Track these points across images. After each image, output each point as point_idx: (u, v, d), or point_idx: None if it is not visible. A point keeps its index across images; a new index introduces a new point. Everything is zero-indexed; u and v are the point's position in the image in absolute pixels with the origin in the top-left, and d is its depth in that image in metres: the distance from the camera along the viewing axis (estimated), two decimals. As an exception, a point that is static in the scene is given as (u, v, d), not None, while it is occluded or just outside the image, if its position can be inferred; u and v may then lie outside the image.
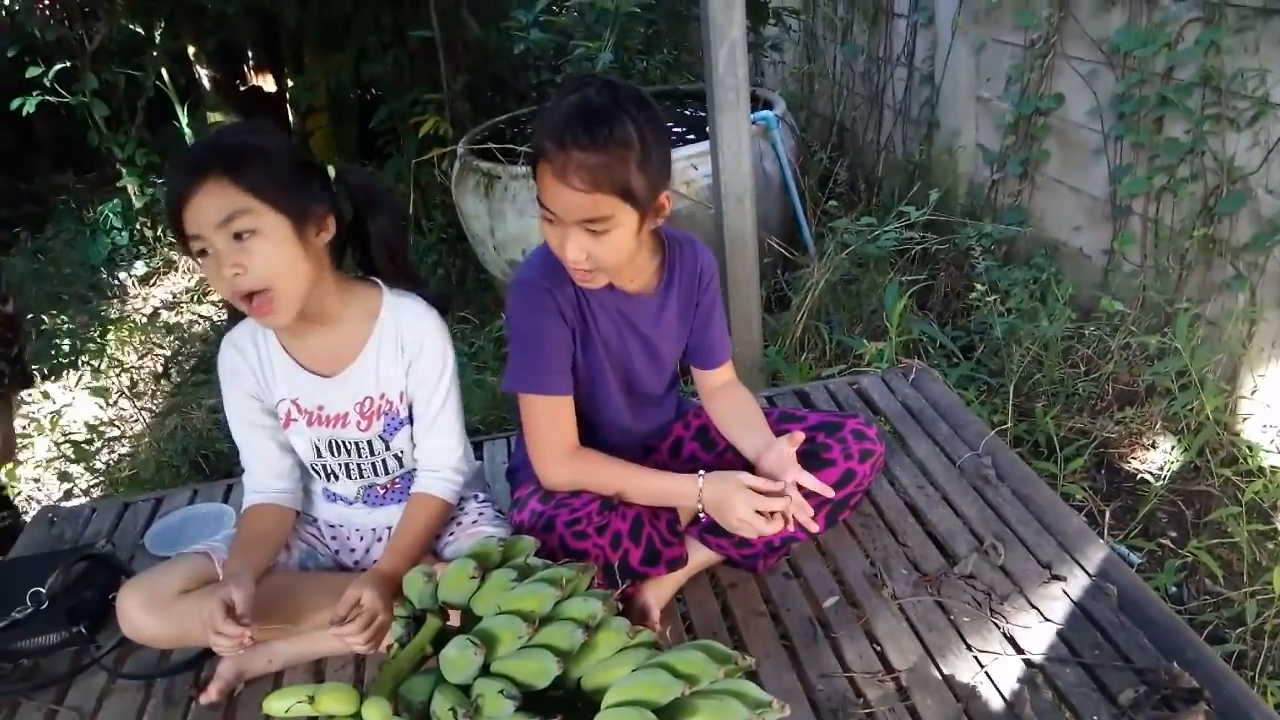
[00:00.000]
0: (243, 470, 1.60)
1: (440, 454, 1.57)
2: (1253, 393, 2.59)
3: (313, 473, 1.60)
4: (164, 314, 4.64)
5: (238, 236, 1.34)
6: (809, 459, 1.58)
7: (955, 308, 3.41)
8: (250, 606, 1.34)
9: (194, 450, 3.05)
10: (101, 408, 3.52)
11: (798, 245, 3.65)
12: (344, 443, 1.56)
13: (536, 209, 1.45)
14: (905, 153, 4.21)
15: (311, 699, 1.19)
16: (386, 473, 1.61)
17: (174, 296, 4.86)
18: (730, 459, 1.74)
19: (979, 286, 2.98)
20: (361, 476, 1.60)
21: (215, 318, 4.41)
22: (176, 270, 5.17)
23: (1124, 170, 2.97)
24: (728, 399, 1.72)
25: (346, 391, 1.53)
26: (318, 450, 1.57)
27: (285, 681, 1.54)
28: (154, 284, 5.08)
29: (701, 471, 1.50)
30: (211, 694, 1.49)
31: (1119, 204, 3.00)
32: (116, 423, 3.49)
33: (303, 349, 1.52)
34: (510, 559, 1.40)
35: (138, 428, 3.44)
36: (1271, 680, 1.89)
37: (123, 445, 3.34)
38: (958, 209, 3.66)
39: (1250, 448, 2.49)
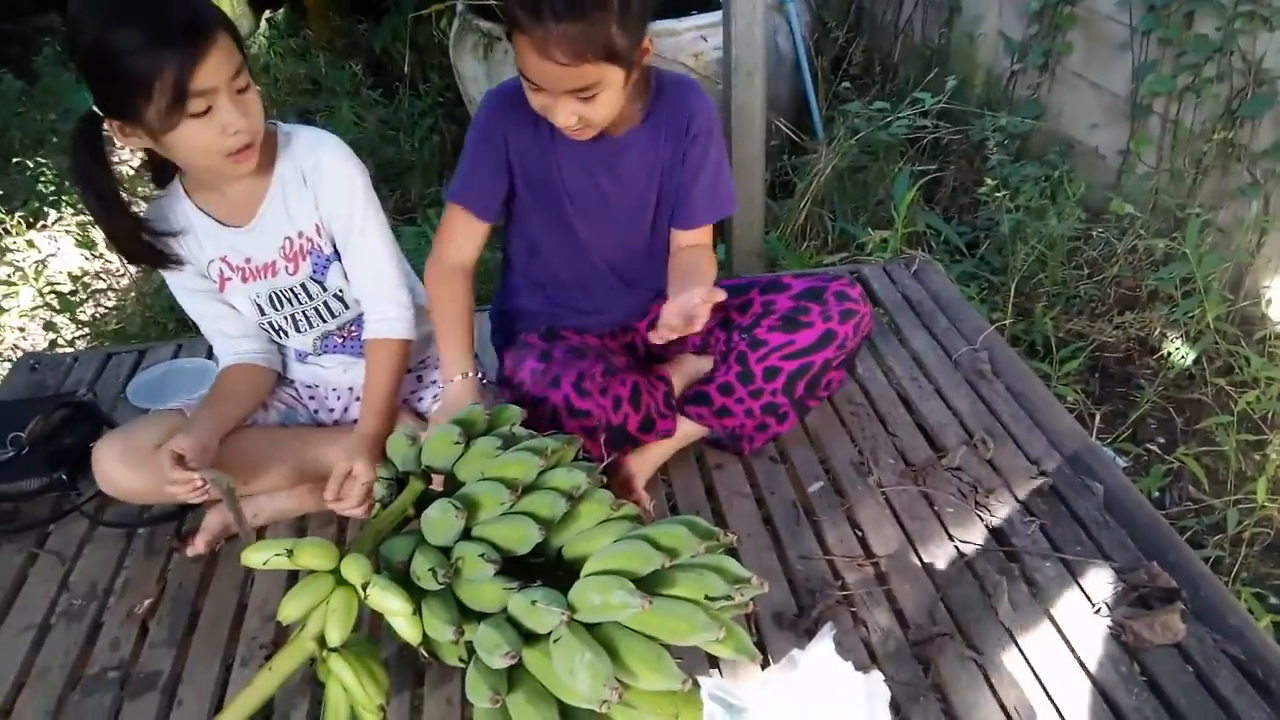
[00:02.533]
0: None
1: (376, 285, 1.52)
2: (1254, 303, 2.56)
3: (263, 333, 1.57)
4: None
5: (239, 92, 1.29)
6: (786, 323, 1.56)
7: (962, 202, 3.34)
8: (201, 454, 1.34)
9: (181, 308, 3.01)
10: (88, 259, 3.46)
11: (806, 128, 3.54)
12: (281, 293, 1.52)
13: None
14: (924, 37, 4.05)
15: (290, 553, 1.18)
16: (333, 316, 1.57)
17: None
18: (714, 339, 1.71)
19: (989, 181, 2.90)
20: (311, 326, 1.57)
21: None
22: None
23: (1148, 67, 2.85)
24: (687, 255, 1.63)
25: (266, 237, 1.48)
26: (260, 308, 1.53)
27: (268, 537, 1.55)
28: (142, 135, 4.94)
29: (478, 376, 1.54)
30: (198, 546, 1.49)
31: (1139, 103, 2.90)
32: (103, 275, 3.43)
33: (217, 204, 1.46)
34: (496, 427, 1.38)
35: (124, 282, 3.39)
36: (1245, 587, 1.91)
37: (109, 299, 3.29)
38: (973, 100, 3.54)
39: (1248, 359, 2.47)
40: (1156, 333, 2.63)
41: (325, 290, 1.54)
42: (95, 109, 1.29)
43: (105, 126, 1.30)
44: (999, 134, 3.21)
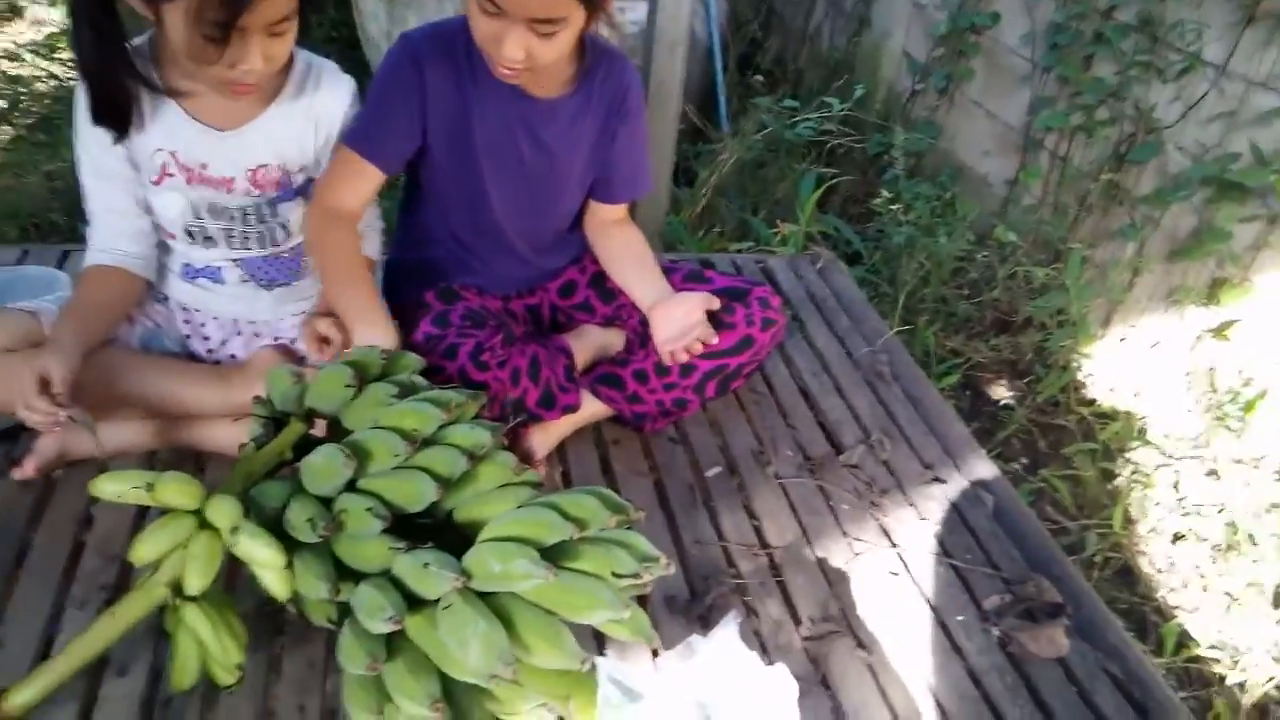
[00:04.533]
0: (85, 229, 1.38)
1: None
2: (1122, 340, 2.68)
3: (184, 235, 1.40)
4: (3, 64, 4.10)
5: (274, 35, 1.18)
6: (709, 319, 1.52)
7: (854, 211, 3.38)
8: (70, 383, 1.17)
9: (25, 215, 2.73)
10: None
11: (711, 118, 3.52)
12: (226, 207, 1.37)
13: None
14: (831, 44, 4.09)
15: (150, 487, 1.04)
16: (274, 244, 1.44)
17: (16, 46, 4.29)
18: (626, 315, 1.64)
19: (885, 193, 2.95)
20: (245, 246, 1.42)
21: (62, 75, 3.93)
22: (21, 19, 4.56)
23: (1044, 102, 2.95)
24: (618, 236, 1.62)
25: (239, 152, 1.34)
26: (196, 212, 1.37)
27: (113, 469, 1.38)
28: (-9, 29, 4.48)
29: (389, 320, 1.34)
30: (27, 469, 1.32)
31: (1032, 136, 3.00)
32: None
33: (193, 93, 1.30)
34: (392, 374, 1.27)
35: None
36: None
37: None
38: (873, 113, 3.60)
39: (1111, 390, 2.58)
40: (1028, 358, 2.72)
41: (276, 217, 1.41)
42: None
43: None
44: (895, 150, 3.27)
